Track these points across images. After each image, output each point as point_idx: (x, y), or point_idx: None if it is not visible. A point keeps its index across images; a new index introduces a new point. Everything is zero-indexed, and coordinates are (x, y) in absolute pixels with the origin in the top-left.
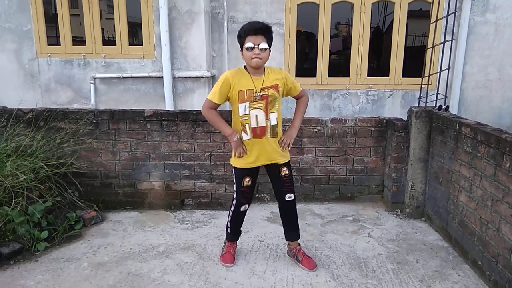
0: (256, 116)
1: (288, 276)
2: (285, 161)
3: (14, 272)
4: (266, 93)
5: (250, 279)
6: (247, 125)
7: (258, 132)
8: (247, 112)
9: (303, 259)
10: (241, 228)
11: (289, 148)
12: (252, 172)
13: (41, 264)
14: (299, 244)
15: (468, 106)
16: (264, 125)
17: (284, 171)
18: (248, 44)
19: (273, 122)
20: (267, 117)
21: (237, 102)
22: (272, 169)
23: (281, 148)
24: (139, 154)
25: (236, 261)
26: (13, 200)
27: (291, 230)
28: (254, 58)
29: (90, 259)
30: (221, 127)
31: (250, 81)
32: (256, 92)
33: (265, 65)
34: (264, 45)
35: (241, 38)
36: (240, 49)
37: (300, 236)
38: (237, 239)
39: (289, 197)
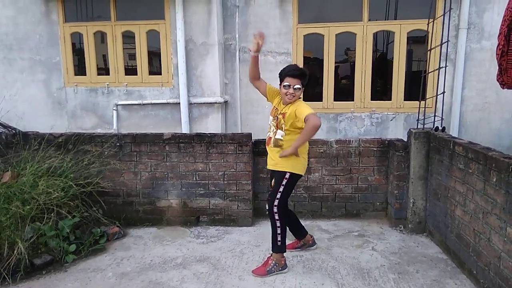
0: (272, 130)
1: (296, 284)
2: (278, 170)
3: (46, 281)
4: (279, 117)
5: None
6: (267, 133)
7: (267, 141)
8: (269, 123)
9: (260, 265)
10: (255, 243)
11: (281, 155)
12: (271, 175)
13: (70, 274)
14: (271, 254)
15: (468, 128)
16: (271, 136)
17: (273, 181)
18: (286, 83)
19: (277, 136)
20: (274, 133)
21: (269, 113)
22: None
23: (279, 154)
24: (158, 174)
25: (249, 272)
26: (45, 216)
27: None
28: (288, 95)
29: (114, 269)
30: (250, 64)
31: (279, 103)
32: (277, 114)
33: None
34: (298, 86)
35: (281, 77)
36: (279, 83)
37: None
38: None
39: (266, 205)
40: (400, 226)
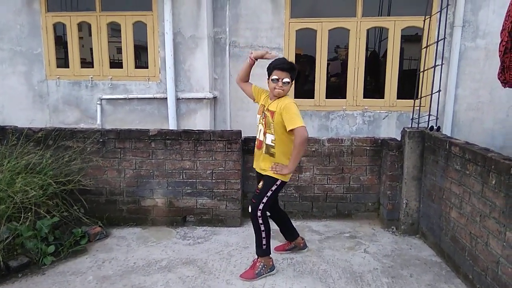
0: (260, 130)
1: None
2: (268, 174)
3: (22, 285)
4: (266, 114)
5: None
6: (256, 134)
7: (257, 144)
8: (257, 123)
9: (248, 269)
10: (243, 245)
11: (277, 172)
12: (258, 176)
13: (48, 278)
14: (257, 257)
15: (461, 128)
16: (262, 140)
17: (261, 183)
18: (274, 77)
19: (268, 142)
20: (264, 135)
21: (257, 112)
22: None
23: (271, 168)
24: (144, 171)
25: (237, 275)
26: (22, 215)
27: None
28: (276, 89)
29: (95, 272)
30: (243, 68)
31: (266, 99)
32: (264, 110)
33: None
34: (287, 80)
35: (270, 70)
36: (268, 77)
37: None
38: None
39: (249, 208)
40: (392, 227)
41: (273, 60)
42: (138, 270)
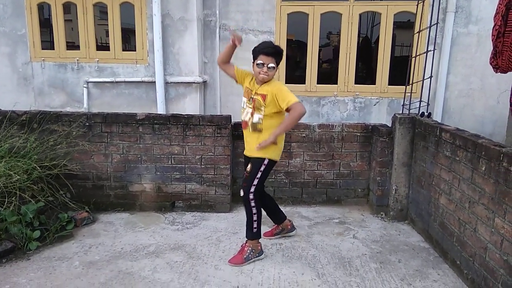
0: (247, 112)
1: (274, 274)
2: (255, 156)
3: (6, 270)
4: (255, 98)
5: (238, 277)
6: (242, 116)
7: (243, 125)
8: (244, 107)
9: (236, 254)
10: (232, 231)
11: (260, 145)
12: (246, 160)
13: (33, 263)
14: (246, 241)
15: (452, 114)
16: (247, 120)
17: (249, 166)
18: (259, 61)
19: (255, 120)
20: (252, 115)
21: (243, 94)
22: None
23: (256, 147)
24: (131, 156)
25: (224, 261)
26: (6, 200)
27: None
28: (261, 74)
29: (82, 258)
30: (225, 50)
31: (253, 84)
32: (252, 94)
33: None
34: (272, 64)
35: (255, 54)
36: (253, 61)
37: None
38: None
39: (241, 192)
40: (381, 213)
41: (258, 44)
42: (125, 255)
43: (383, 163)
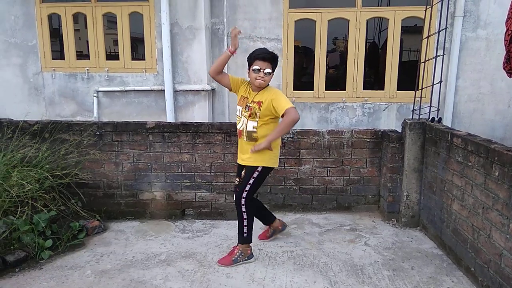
0: (243, 121)
1: (286, 282)
2: (249, 164)
3: (19, 280)
4: (251, 106)
5: (249, 286)
6: (237, 125)
7: (238, 134)
8: (239, 114)
9: (226, 255)
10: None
11: (254, 149)
12: (239, 169)
13: (46, 272)
14: (238, 244)
15: (462, 119)
16: (242, 129)
17: (243, 173)
18: (255, 67)
19: (249, 129)
20: (247, 124)
21: (237, 103)
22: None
23: (251, 151)
24: (141, 165)
25: (236, 269)
26: (19, 210)
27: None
28: (258, 79)
29: (94, 266)
30: (220, 58)
31: (249, 91)
32: (248, 102)
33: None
34: (268, 70)
35: (251, 60)
36: (248, 68)
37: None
38: None
39: (234, 197)
40: (392, 220)
41: (254, 50)
42: (136, 264)
43: (393, 169)
